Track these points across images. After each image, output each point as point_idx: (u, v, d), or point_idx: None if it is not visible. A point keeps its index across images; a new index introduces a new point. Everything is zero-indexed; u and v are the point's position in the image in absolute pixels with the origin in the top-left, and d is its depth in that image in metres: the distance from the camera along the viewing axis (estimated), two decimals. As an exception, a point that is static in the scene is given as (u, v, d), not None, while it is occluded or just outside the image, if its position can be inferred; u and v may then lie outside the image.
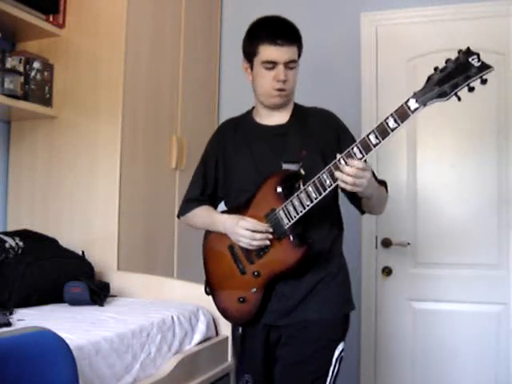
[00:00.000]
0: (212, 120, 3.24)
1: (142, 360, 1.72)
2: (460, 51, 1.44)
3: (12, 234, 2.17)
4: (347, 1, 3.09)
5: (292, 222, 1.63)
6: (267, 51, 1.70)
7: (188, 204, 1.91)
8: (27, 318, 1.73)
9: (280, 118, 1.80)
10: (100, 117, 2.44)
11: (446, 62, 1.45)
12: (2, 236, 2.11)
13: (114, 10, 2.45)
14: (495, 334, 2.74)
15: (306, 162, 1.68)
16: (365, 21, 3.02)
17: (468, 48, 1.44)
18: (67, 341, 1.27)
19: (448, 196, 2.86)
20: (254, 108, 1.88)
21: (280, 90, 1.72)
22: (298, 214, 1.61)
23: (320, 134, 1.77)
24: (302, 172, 1.65)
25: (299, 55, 1.76)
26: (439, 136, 2.86)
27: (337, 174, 1.52)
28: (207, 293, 1.86)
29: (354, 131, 1.84)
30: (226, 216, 1.77)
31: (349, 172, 1.50)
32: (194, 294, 2.23)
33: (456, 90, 1.44)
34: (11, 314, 1.81)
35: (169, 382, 1.80)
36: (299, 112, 1.82)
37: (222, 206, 1.91)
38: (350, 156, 1.52)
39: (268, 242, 1.66)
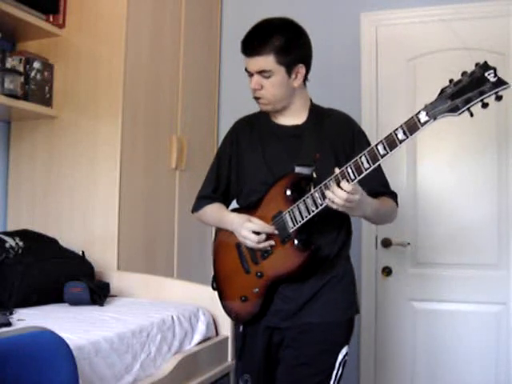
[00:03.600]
0: (212, 120, 3.24)
1: (142, 360, 1.72)
2: (477, 64, 1.38)
3: (12, 234, 2.17)
4: (347, 1, 3.09)
5: (297, 226, 1.62)
6: (244, 60, 1.73)
7: (200, 201, 1.91)
8: (27, 318, 1.73)
9: (297, 118, 1.79)
10: (100, 117, 2.44)
11: (461, 75, 1.39)
12: (2, 236, 2.11)
13: (113, 10, 2.45)
14: (495, 334, 2.74)
15: (320, 166, 1.66)
16: (365, 21, 3.02)
17: (485, 62, 1.38)
18: (67, 341, 1.27)
19: (448, 196, 2.86)
20: None
21: (255, 98, 1.74)
22: (303, 218, 1.61)
23: (335, 138, 1.75)
24: (314, 176, 1.65)
25: (284, 62, 1.67)
26: (439, 136, 2.86)
27: (327, 193, 1.52)
28: (214, 288, 1.86)
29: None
30: (234, 215, 1.77)
31: (340, 195, 1.49)
32: (194, 294, 2.23)
33: (468, 106, 1.39)
34: (11, 314, 1.81)
35: (169, 382, 1.80)
36: (316, 113, 1.80)
37: (234, 204, 1.91)
38: (358, 165, 1.50)
39: (273, 243, 1.67)
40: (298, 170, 1.68)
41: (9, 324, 1.62)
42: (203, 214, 1.91)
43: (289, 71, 1.70)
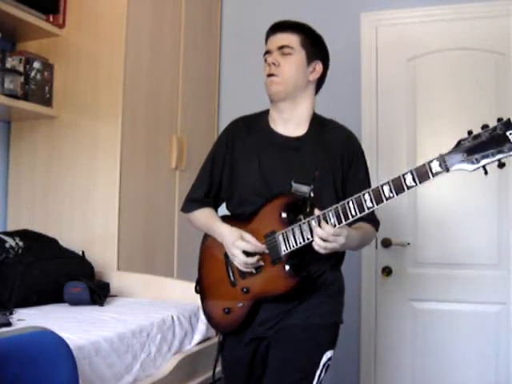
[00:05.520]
0: (212, 120, 3.24)
1: (142, 360, 1.72)
2: (500, 120, 1.33)
3: (12, 234, 2.17)
4: (347, 1, 3.09)
5: (289, 250, 1.59)
6: (267, 42, 1.75)
7: (190, 204, 1.85)
8: (27, 318, 1.73)
9: (297, 128, 1.74)
10: (100, 117, 2.44)
11: (481, 128, 1.35)
12: (2, 236, 2.11)
13: (114, 10, 2.45)
14: (495, 334, 2.74)
15: (317, 184, 1.63)
16: (365, 21, 3.02)
17: (509, 119, 1.32)
18: (67, 341, 1.27)
19: (448, 196, 2.86)
20: (269, 111, 1.81)
21: (270, 75, 1.70)
22: (297, 244, 1.57)
23: (335, 155, 1.70)
24: (312, 195, 1.61)
25: (307, 47, 1.70)
26: (439, 136, 2.86)
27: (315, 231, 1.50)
28: (197, 291, 1.84)
29: (355, 132, 1.83)
30: (225, 228, 1.71)
31: (321, 235, 1.48)
32: (194, 294, 2.20)
33: (484, 164, 1.34)
34: (11, 314, 1.81)
35: (169, 382, 1.80)
36: (318, 125, 1.75)
37: (223, 207, 1.88)
38: (360, 201, 1.47)
39: (262, 264, 1.63)
40: (295, 186, 1.63)
41: (9, 324, 1.62)
42: (192, 217, 1.86)
43: (308, 59, 1.72)
